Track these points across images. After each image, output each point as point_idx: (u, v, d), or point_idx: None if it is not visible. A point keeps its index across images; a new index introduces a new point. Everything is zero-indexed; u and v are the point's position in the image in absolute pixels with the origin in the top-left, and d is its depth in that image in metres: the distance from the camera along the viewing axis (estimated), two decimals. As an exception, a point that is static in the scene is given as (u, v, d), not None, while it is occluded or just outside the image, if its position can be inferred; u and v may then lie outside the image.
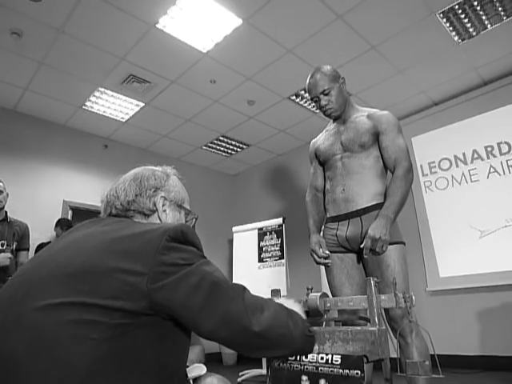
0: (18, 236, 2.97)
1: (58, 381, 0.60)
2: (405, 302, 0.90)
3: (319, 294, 1.06)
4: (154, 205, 0.92)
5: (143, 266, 0.68)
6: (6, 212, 2.95)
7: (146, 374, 0.67)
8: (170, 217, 0.95)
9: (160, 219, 0.93)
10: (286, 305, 0.86)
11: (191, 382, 0.94)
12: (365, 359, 0.84)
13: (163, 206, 0.94)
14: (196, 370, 0.98)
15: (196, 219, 1.04)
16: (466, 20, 3.17)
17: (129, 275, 0.67)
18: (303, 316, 0.89)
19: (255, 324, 0.71)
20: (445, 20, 3.16)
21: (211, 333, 0.71)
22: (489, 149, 3.88)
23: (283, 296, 0.98)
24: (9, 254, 2.79)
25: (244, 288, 0.77)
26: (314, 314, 1.06)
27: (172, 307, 0.69)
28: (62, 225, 3.90)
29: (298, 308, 0.90)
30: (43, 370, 0.61)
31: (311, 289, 1.13)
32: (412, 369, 0.87)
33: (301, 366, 0.94)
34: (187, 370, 0.94)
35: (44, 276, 0.71)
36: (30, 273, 0.75)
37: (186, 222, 1.02)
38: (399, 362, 1.04)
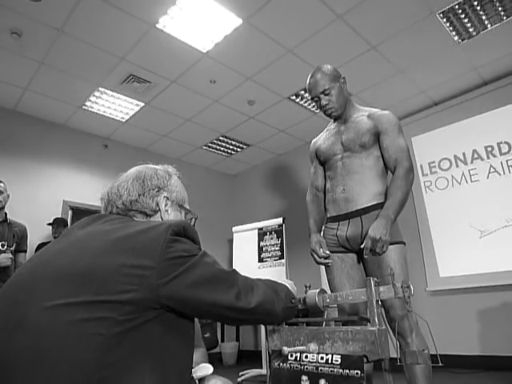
0: (18, 237, 2.97)
1: (66, 378, 0.60)
2: (403, 291, 0.90)
3: (317, 290, 1.06)
4: (157, 205, 0.92)
5: (151, 261, 0.70)
6: (5, 213, 2.96)
7: (154, 367, 0.68)
8: (171, 217, 0.95)
9: (162, 219, 0.93)
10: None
11: (197, 382, 0.94)
12: (365, 359, 0.84)
13: (166, 205, 0.94)
14: (203, 369, 0.98)
15: (196, 219, 1.05)
16: (466, 20, 3.17)
17: (137, 269, 0.69)
18: (291, 289, 0.99)
19: (248, 303, 0.80)
20: (445, 20, 3.16)
21: (213, 316, 0.82)
22: (489, 149, 3.88)
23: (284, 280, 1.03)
24: (10, 255, 2.79)
25: (236, 272, 0.84)
26: (314, 312, 1.06)
27: (178, 298, 0.72)
28: (53, 224, 3.86)
29: (289, 283, 1.03)
30: (51, 369, 0.61)
31: (309, 286, 1.13)
32: (411, 357, 0.87)
33: (301, 365, 0.94)
34: (193, 370, 0.94)
35: (49, 276, 0.70)
36: (32, 273, 0.74)
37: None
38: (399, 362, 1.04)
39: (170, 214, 0.95)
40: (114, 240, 0.74)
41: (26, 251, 3.06)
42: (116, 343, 0.64)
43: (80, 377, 0.61)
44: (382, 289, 0.93)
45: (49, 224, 3.90)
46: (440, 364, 0.88)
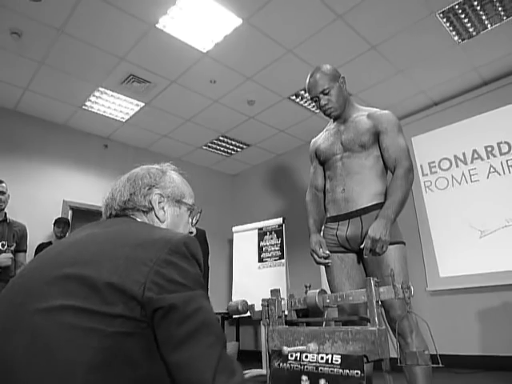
0: (18, 237, 2.98)
1: None
2: (403, 292, 0.90)
3: (317, 290, 1.06)
4: (150, 203, 0.92)
5: (140, 276, 0.67)
6: (5, 213, 2.96)
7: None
8: (168, 214, 0.94)
9: (158, 217, 0.92)
10: None
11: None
12: (365, 359, 0.84)
13: (160, 203, 0.93)
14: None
15: (200, 213, 1.04)
16: (466, 20, 3.17)
17: (126, 283, 0.66)
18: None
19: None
20: (445, 20, 3.16)
21: (172, 365, 0.66)
22: (489, 149, 3.88)
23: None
24: (10, 255, 2.80)
25: (225, 342, 0.72)
26: (314, 312, 1.06)
27: (155, 322, 0.66)
28: (59, 224, 3.89)
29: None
30: (41, 376, 0.60)
31: (309, 286, 1.13)
32: (411, 359, 0.87)
33: (301, 366, 0.94)
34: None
35: (45, 278, 0.70)
36: (30, 275, 0.74)
37: (189, 217, 1.01)
38: (399, 362, 1.04)
39: (167, 211, 0.94)
40: (111, 249, 0.73)
41: (25, 251, 3.07)
42: (105, 359, 0.61)
43: None
44: (382, 289, 0.93)
45: (54, 224, 3.92)
46: (440, 365, 0.88)
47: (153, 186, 0.94)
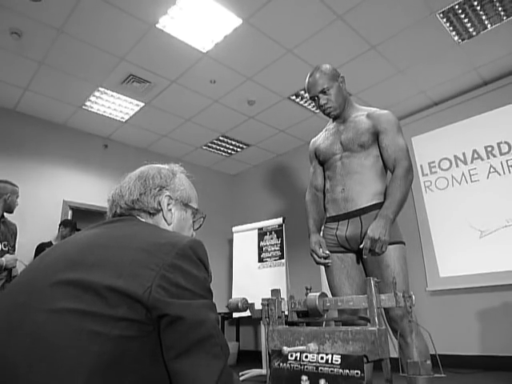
0: (14, 236, 2.99)
1: None
2: (405, 301, 0.90)
3: (318, 293, 1.06)
4: (159, 204, 0.91)
5: (146, 280, 0.66)
6: (2, 213, 2.95)
7: None
8: (175, 216, 0.94)
9: (165, 219, 0.92)
10: None
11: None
12: (365, 359, 0.84)
13: (168, 205, 0.92)
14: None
15: (204, 218, 1.04)
16: (466, 20, 3.17)
17: (131, 286, 0.66)
18: None
19: None
20: (445, 20, 3.16)
21: (173, 373, 0.66)
22: (489, 149, 3.88)
23: None
24: (16, 256, 2.81)
25: (229, 354, 0.72)
26: (314, 314, 1.06)
27: (161, 328, 0.66)
28: (66, 225, 3.90)
29: None
30: (42, 378, 0.59)
31: (310, 288, 1.13)
32: (413, 369, 0.87)
33: (301, 366, 0.94)
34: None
35: (48, 280, 0.69)
36: (33, 275, 0.73)
37: (194, 221, 1.01)
38: (400, 362, 1.04)
39: (174, 214, 0.94)
40: (115, 252, 0.72)
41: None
42: (107, 363, 0.61)
43: None
44: (383, 297, 0.93)
45: (62, 225, 3.93)
46: (442, 375, 0.88)
47: (163, 188, 0.93)
